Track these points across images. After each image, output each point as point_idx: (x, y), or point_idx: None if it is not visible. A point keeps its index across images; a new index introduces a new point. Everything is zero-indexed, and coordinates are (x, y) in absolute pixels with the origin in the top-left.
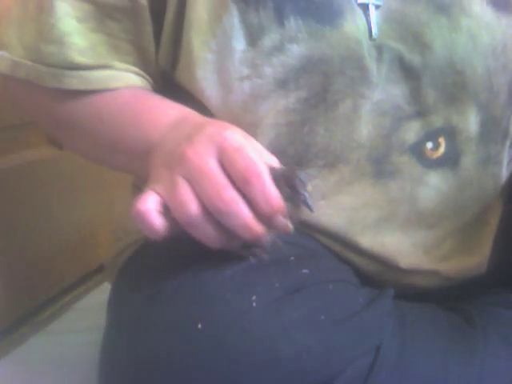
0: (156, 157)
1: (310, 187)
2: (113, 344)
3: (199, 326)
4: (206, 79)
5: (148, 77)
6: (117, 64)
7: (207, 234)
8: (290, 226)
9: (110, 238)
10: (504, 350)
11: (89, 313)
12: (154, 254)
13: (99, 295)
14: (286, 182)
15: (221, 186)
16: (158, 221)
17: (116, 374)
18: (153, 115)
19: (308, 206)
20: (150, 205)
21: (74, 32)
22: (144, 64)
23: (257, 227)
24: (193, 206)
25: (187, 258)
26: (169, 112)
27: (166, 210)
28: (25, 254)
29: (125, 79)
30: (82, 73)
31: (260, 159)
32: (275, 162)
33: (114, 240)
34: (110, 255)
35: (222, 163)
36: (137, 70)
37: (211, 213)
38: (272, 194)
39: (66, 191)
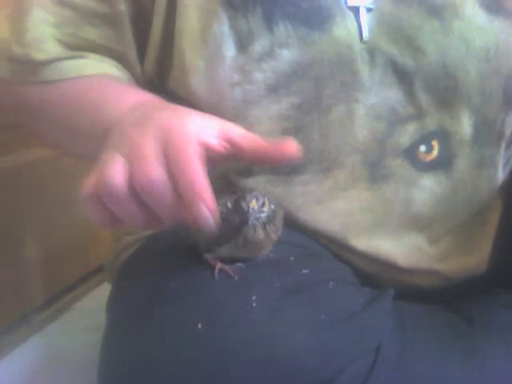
0: (108, 139)
1: (253, 202)
2: (113, 344)
3: (199, 325)
4: (198, 86)
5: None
6: (91, 55)
7: (130, 213)
8: (212, 222)
9: (110, 237)
10: (504, 350)
11: (89, 313)
12: (153, 254)
13: (99, 295)
14: (238, 206)
15: (152, 166)
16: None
17: (116, 373)
18: (114, 98)
19: (248, 225)
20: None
21: (48, 38)
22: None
23: (178, 212)
24: (117, 179)
25: (187, 258)
26: (130, 95)
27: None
28: (25, 254)
29: (98, 67)
30: (55, 64)
31: (197, 157)
32: (239, 132)
33: (113, 240)
34: (110, 255)
35: (164, 151)
36: (113, 61)
37: (137, 191)
38: (193, 175)
39: (66, 191)
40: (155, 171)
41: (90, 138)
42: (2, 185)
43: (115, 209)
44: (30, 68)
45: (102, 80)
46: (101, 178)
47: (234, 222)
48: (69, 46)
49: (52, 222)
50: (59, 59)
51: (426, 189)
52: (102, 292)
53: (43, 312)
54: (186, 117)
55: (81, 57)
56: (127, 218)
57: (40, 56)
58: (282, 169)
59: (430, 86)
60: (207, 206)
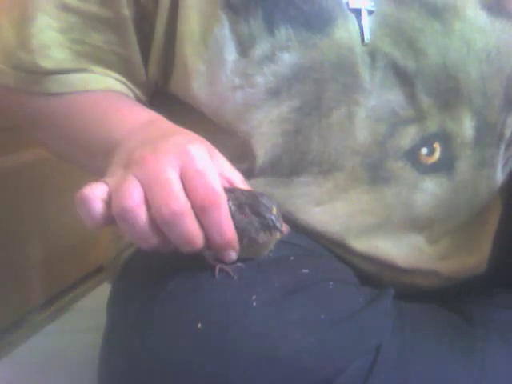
0: (116, 155)
1: (274, 209)
2: (113, 344)
3: (199, 325)
4: (200, 90)
5: (132, 85)
6: (96, 69)
7: (143, 237)
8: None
9: (109, 238)
10: (504, 350)
11: (89, 313)
12: (154, 253)
13: (99, 295)
14: (251, 209)
15: (171, 196)
16: (97, 207)
17: (116, 374)
18: (120, 115)
19: (276, 229)
20: (95, 191)
21: (54, 45)
22: (130, 75)
23: (197, 244)
24: (135, 207)
25: (187, 257)
26: (137, 113)
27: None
28: (25, 254)
29: (103, 82)
30: (60, 76)
31: (220, 185)
32: (239, 178)
33: (113, 240)
34: (110, 255)
35: (181, 179)
36: (118, 76)
37: (155, 219)
38: (226, 228)
39: (66, 191)
40: (176, 203)
41: (92, 153)
42: (2, 185)
43: (128, 231)
44: (35, 77)
45: (106, 96)
46: (117, 201)
47: (238, 224)
48: (75, 53)
49: (52, 222)
50: (65, 71)
51: (428, 191)
52: (102, 292)
53: (43, 312)
54: (200, 142)
55: (86, 70)
56: (138, 241)
57: (46, 63)
58: (282, 170)
59: (431, 88)
60: (233, 249)
